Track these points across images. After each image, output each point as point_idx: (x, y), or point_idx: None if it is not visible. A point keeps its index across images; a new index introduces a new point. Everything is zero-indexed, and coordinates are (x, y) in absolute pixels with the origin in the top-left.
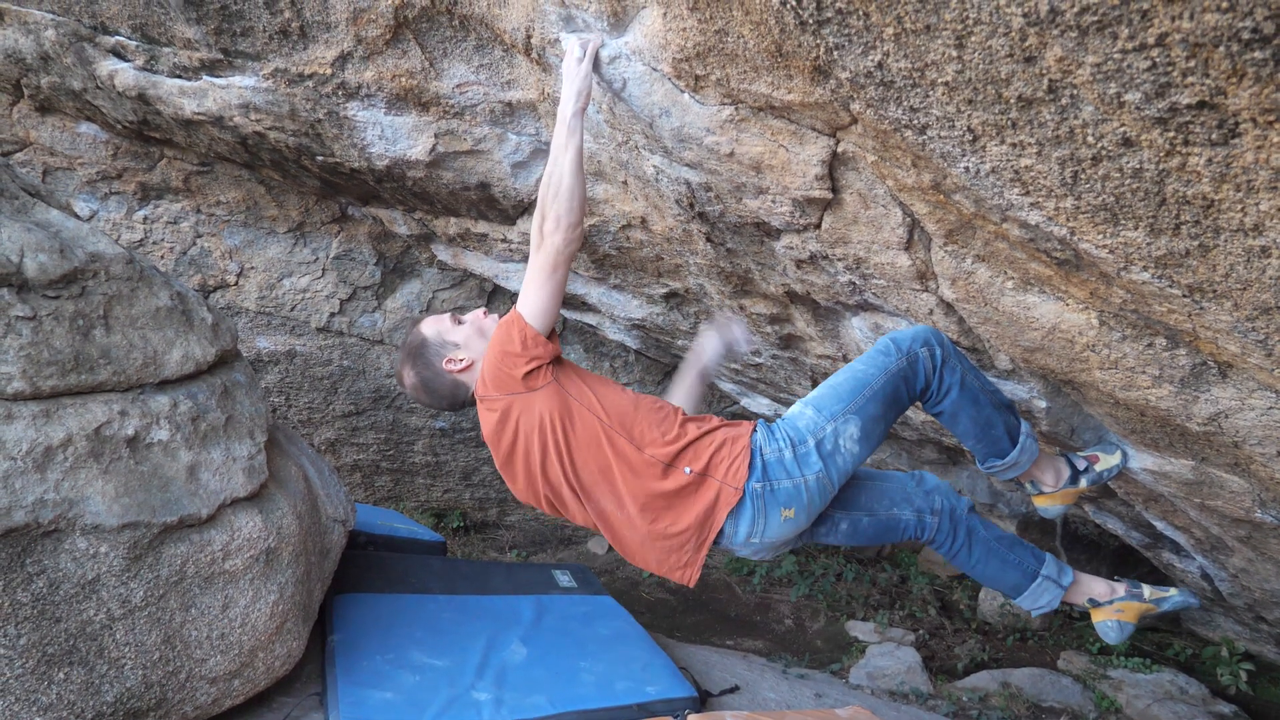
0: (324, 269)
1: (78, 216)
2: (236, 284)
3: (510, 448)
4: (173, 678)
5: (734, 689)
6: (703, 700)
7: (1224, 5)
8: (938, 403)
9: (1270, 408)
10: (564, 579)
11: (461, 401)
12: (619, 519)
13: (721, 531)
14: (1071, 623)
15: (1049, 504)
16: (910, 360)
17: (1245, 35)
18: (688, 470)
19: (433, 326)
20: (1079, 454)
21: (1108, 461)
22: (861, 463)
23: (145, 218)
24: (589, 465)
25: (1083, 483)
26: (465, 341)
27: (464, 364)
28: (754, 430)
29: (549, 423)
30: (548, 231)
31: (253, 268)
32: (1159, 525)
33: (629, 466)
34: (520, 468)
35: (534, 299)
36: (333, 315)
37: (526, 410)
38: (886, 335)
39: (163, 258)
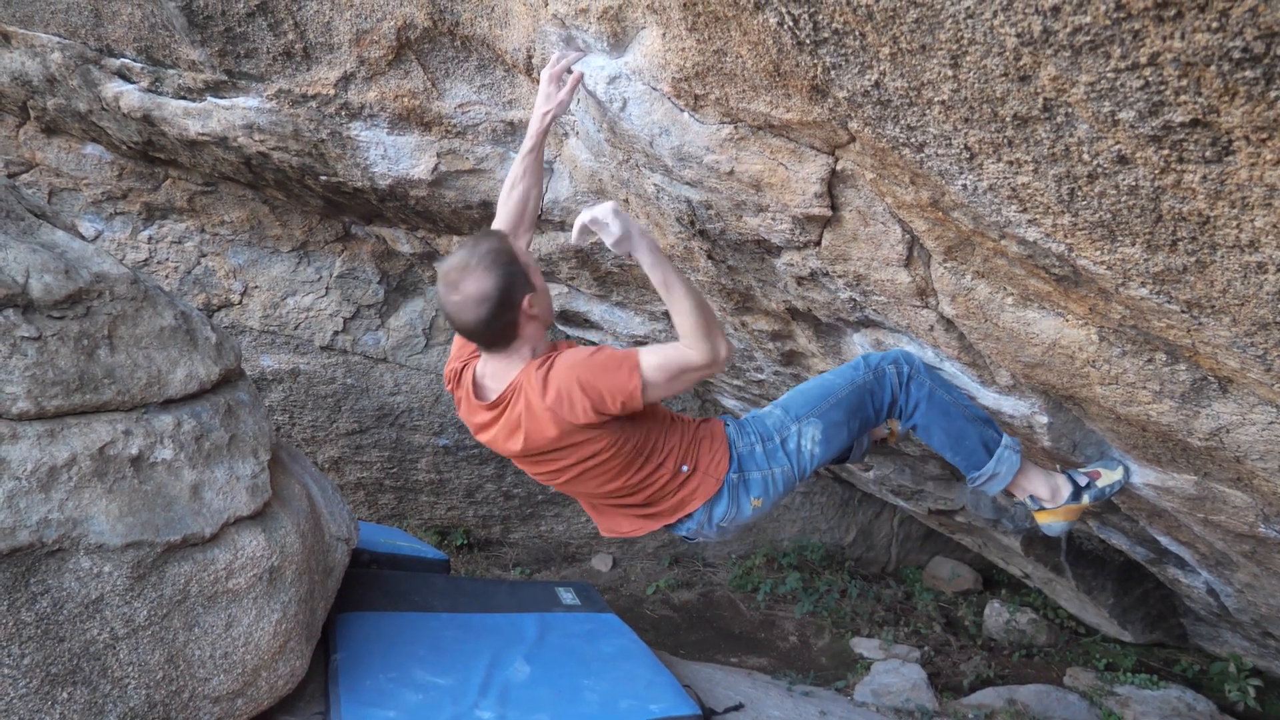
0: (327, 287)
1: (83, 237)
2: (240, 303)
3: (534, 449)
4: (176, 697)
5: (738, 707)
6: (707, 718)
7: (1214, 25)
8: (909, 416)
9: (1271, 423)
10: (567, 596)
11: (490, 339)
12: (597, 500)
13: (690, 516)
14: (1078, 639)
15: (1051, 520)
16: (877, 375)
17: (1236, 55)
18: (685, 468)
19: (524, 256)
20: (1080, 470)
21: (1110, 477)
22: (823, 463)
23: (150, 237)
24: (598, 485)
25: (1085, 499)
26: (541, 291)
27: (533, 313)
28: (726, 425)
29: (592, 453)
30: (719, 349)
31: (256, 287)
32: (1163, 541)
33: (633, 483)
34: (523, 459)
35: (661, 380)
36: (336, 334)
37: (569, 440)
38: (861, 354)
39: (167, 277)
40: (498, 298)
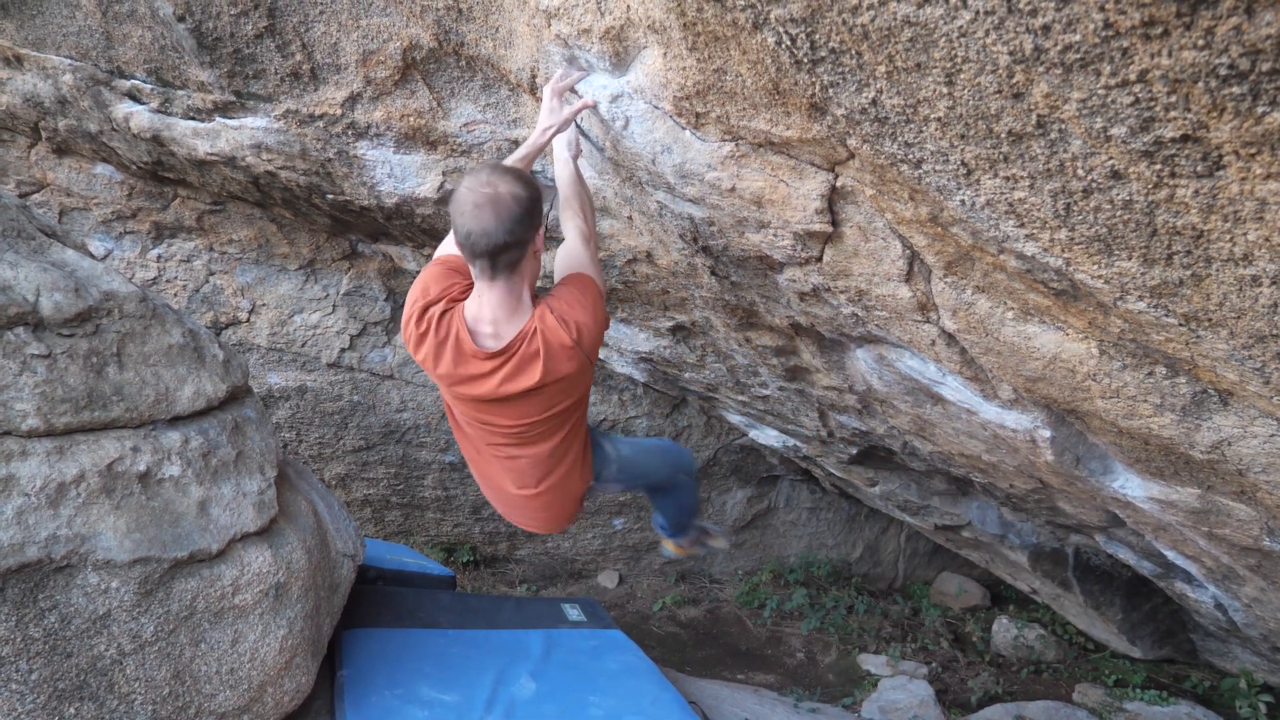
0: (334, 305)
1: (93, 256)
2: (248, 321)
3: (518, 367)
4: (182, 713)
5: None
6: None
7: (1200, 43)
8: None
9: (1272, 435)
10: (573, 613)
11: (506, 248)
12: (521, 486)
13: None
14: (1086, 655)
15: (666, 546)
16: (689, 479)
17: (1223, 71)
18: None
19: None
20: (703, 525)
21: (710, 542)
22: None
23: (159, 256)
24: (554, 444)
25: (669, 545)
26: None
27: (538, 247)
28: (596, 449)
29: (572, 402)
30: (593, 232)
31: (264, 304)
32: (1169, 555)
33: (573, 460)
34: (515, 399)
35: (599, 278)
36: (343, 351)
37: (573, 380)
38: (685, 454)
39: (176, 295)
40: (529, 202)
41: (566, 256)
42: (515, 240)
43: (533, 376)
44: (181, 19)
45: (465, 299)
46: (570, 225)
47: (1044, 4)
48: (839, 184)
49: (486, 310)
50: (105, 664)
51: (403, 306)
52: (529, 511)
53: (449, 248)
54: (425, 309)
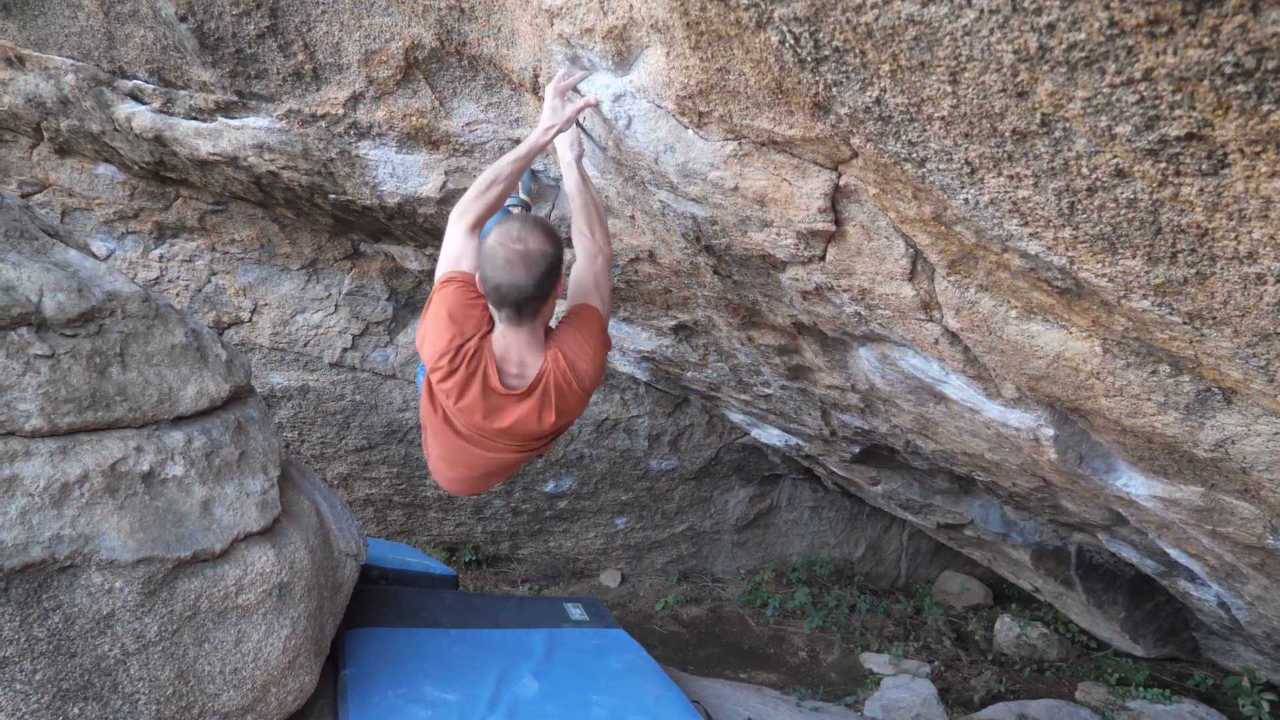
0: (336, 305)
1: (95, 256)
2: (250, 320)
3: (537, 409)
4: (186, 713)
5: None
6: None
7: (1205, 41)
8: None
9: (1276, 434)
10: (576, 612)
11: (532, 298)
12: (488, 473)
13: None
14: (1089, 653)
15: None
16: None
17: (1228, 69)
18: None
19: None
20: None
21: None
22: None
23: (161, 256)
24: (534, 452)
25: None
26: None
27: (559, 292)
28: None
29: (564, 426)
30: (603, 242)
31: (266, 304)
32: (1172, 553)
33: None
34: (507, 412)
35: (606, 301)
36: (345, 351)
37: (575, 415)
38: None
39: (178, 295)
40: (556, 257)
41: (575, 283)
42: (543, 293)
43: (548, 419)
44: (183, 19)
45: (491, 332)
46: (579, 244)
47: (1049, 2)
48: (842, 183)
49: (513, 352)
50: (109, 664)
51: (405, 306)
52: (477, 486)
53: (458, 262)
54: (461, 346)
